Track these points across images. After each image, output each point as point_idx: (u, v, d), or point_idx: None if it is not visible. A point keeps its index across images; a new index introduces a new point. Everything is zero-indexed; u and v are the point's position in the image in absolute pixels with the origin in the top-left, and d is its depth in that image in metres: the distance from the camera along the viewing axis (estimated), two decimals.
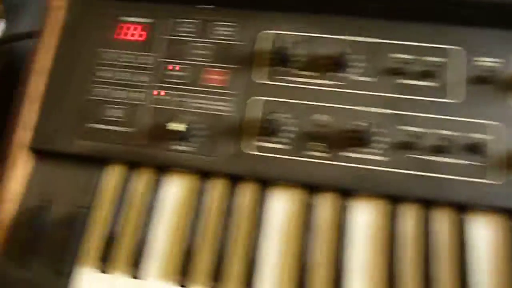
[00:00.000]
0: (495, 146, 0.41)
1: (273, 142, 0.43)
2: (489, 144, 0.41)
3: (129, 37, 0.48)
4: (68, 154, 0.46)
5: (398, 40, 0.44)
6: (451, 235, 0.40)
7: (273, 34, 0.46)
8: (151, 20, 0.48)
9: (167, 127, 0.44)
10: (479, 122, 0.41)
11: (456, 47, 0.44)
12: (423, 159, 0.41)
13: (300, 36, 0.45)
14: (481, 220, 0.41)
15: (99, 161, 0.46)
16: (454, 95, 0.42)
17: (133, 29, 0.48)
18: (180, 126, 0.42)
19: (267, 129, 0.42)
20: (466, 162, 0.40)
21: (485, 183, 0.40)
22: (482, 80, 0.43)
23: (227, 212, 0.43)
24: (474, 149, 0.41)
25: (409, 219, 0.41)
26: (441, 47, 0.44)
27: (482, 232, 0.40)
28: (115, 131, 0.45)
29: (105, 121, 0.46)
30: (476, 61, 0.43)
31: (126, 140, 0.45)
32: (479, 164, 0.40)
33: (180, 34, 0.47)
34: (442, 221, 0.41)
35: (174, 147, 0.44)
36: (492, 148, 0.41)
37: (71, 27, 0.49)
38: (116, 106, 0.46)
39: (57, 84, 0.47)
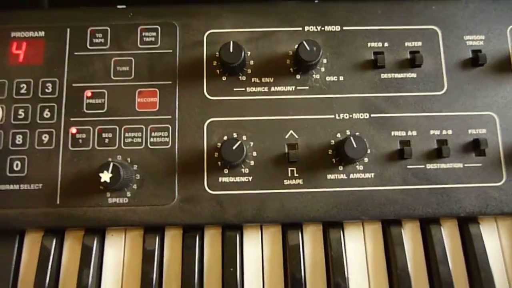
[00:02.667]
0: (492, 141, 0.34)
1: (237, 175, 0.34)
2: (487, 139, 0.34)
3: (22, 60, 0.35)
4: None
5: (369, 25, 0.36)
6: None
7: (222, 33, 0.36)
8: (45, 34, 0.36)
9: (96, 178, 0.33)
10: (471, 115, 0.35)
11: (431, 27, 0.36)
12: (419, 168, 0.34)
13: (253, 32, 0.36)
14: (487, 227, 0.35)
15: (7, 234, 0.34)
16: (437, 85, 0.35)
17: (26, 48, 0.35)
18: (106, 175, 0.32)
19: (227, 160, 0.32)
20: (469, 164, 0.34)
21: (493, 186, 0.34)
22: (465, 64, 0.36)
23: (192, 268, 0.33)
24: (473, 147, 0.34)
25: (409, 240, 0.35)
26: (415, 29, 0.36)
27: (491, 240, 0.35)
28: (21, 190, 0.33)
29: (6, 179, 0.33)
30: (455, 41, 0.36)
31: (36, 201, 0.33)
32: (480, 165, 0.34)
33: (90, 48, 0.36)
34: (448, 236, 0.34)
35: (108, 200, 0.33)
36: (490, 143, 0.34)
37: None
38: (17, 157, 0.34)
39: None
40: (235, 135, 0.34)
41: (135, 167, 0.34)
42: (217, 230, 0.35)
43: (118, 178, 0.32)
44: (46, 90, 0.35)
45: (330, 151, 0.34)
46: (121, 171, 0.32)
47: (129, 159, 0.34)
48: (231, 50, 0.33)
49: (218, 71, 0.35)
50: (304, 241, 0.35)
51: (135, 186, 0.33)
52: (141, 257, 0.34)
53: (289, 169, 0.34)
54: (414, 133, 0.34)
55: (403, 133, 0.34)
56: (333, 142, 0.34)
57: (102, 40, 0.36)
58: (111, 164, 0.32)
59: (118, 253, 0.35)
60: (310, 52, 0.33)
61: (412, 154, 0.34)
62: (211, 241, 0.35)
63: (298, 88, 0.35)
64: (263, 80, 0.35)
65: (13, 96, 0.35)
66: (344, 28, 0.36)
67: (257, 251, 0.34)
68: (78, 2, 0.52)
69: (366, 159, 0.34)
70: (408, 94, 0.35)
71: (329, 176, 0.34)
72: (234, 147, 0.32)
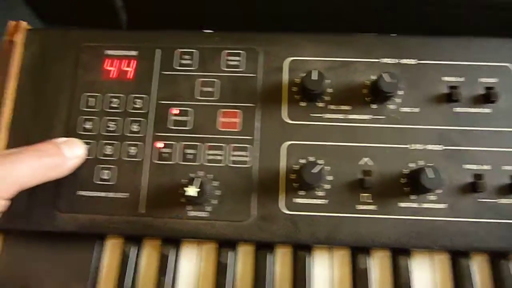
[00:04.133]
0: None
1: (313, 197, 0.35)
2: None
3: (114, 76, 0.38)
4: (49, 232, 0.36)
5: (445, 60, 0.37)
6: None
7: (302, 61, 0.37)
8: (136, 53, 0.38)
9: (178, 191, 0.35)
10: None
11: (506, 64, 0.37)
12: (492, 202, 0.35)
13: (332, 62, 0.37)
14: None
15: (90, 237, 0.36)
16: None
17: (118, 65, 0.38)
18: (193, 189, 0.33)
19: (306, 182, 0.33)
20: None
21: None
22: None
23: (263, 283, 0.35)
24: None
25: (478, 273, 0.35)
26: (490, 65, 0.37)
27: None
28: (108, 198, 0.36)
29: (93, 187, 0.36)
30: None
31: (121, 209, 0.35)
32: None
33: (178, 68, 0.38)
34: None
35: (188, 213, 0.35)
36: None
37: (38, 69, 0.38)
38: (106, 166, 0.36)
39: (24, 143, 0.37)
40: (312, 158, 0.36)
41: (215, 183, 0.35)
42: (287, 249, 0.36)
43: (203, 193, 0.33)
44: (136, 106, 0.37)
45: (403, 180, 0.35)
46: (207, 187, 0.34)
47: (210, 176, 0.36)
48: (314, 78, 0.35)
49: (297, 96, 0.37)
50: (372, 265, 0.35)
51: (215, 202, 0.35)
52: (214, 269, 0.36)
53: (363, 194, 0.35)
54: (487, 167, 0.35)
55: (476, 167, 0.35)
56: (406, 171, 0.35)
57: (189, 62, 0.38)
58: (198, 180, 0.34)
59: (192, 264, 0.36)
60: (390, 84, 0.35)
61: (485, 188, 0.35)
62: (282, 259, 0.36)
63: (374, 117, 0.36)
64: (340, 107, 0.37)
65: (105, 109, 0.37)
66: (420, 61, 0.37)
67: (326, 272, 0.36)
68: (155, 25, 0.56)
69: (439, 190, 0.35)
70: (482, 128, 0.36)
71: (401, 204, 0.35)
72: (314, 171, 0.33)
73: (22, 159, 0.31)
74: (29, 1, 0.60)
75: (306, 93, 0.36)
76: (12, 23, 0.40)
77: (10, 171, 0.31)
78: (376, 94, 0.36)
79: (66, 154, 0.34)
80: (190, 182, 0.33)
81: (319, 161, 0.35)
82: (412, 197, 0.35)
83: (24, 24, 0.40)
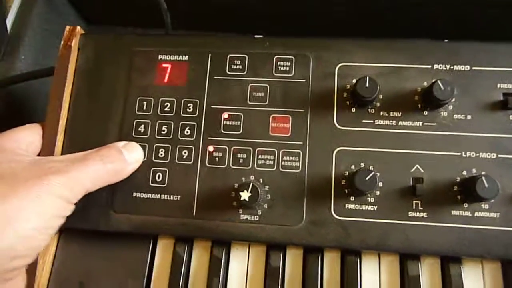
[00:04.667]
0: None
1: (363, 203, 0.35)
2: None
3: (167, 80, 0.39)
4: (105, 232, 0.37)
5: (499, 67, 0.37)
6: None
7: (353, 67, 0.37)
8: (188, 57, 0.39)
9: (230, 194, 0.36)
10: None
11: None
12: None
13: (383, 68, 0.37)
14: None
15: (144, 237, 0.38)
16: None
17: (170, 70, 0.39)
18: (246, 194, 0.34)
19: (359, 189, 0.34)
20: None
21: None
22: None
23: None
24: None
25: None
26: None
27: None
28: (161, 200, 0.37)
29: (148, 189, 0.37)
30: None
31: (175, 211, 0.36)
32: None
33: (229, 73, 0.39)
34: None
35: (240, 217, 0.36)
36: None
37: (92, 73, 0.40)
38: (159, 169, 0.37)
39: (80, 146, 0.38)
40: (362, 164, 0.36)
41: (266, 187, 0.36)
42: (336, 254, 0.37)
43: (256, 197, 0.34)
44: (188, 110, 0.38)
45: (455, 188, 0.35)
46: (260, 191, 0.34)
47: (261, 180, 0.36)
48: (367, 85, 0.35)
49: (348, 102, 0.37)
50: (422, 272, 0.35)
51: (266, 206, 0.36)
52: (264, 271, 0.36)
53: (414, 201, 0.35)
54: None
55: None
56: (458, 179, 0.35)
57: (240, 67, 0.38)
58: (251, 184, 0.34)
59: (242, 266, 0.37)
60: (444, 91, 0.34)
61: None
62: (331, 263, 0.36)
63: (425, 124, 0.36)
64: (391, 114, 0.37)
65: (158, 113, 0.38)
66: (474, 68, 0.37)
67: (375, 277, 0.36)
68: (199, 27, 0.56)
69: (492, 199, 0.34)
70: None
71: (453, 212, 0.35)
72: (367, 178, 0.33)
73: (88, 166, 0.33)
74: (73, 2, 0.62)
75: (357, 99, 0.36)
76: (68, 28, 0.41)
77: (78, 178, 0.32)
78: (428, 101, 0.36)
79: (127, 159, 0.35)
80: (244, 187, 0.34)
81: (370, 167, 0.36)
82: (465, 205, 0.35)
83: (78, 29, 0.41)
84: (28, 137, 0.37)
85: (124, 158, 0.35)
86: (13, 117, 0.53)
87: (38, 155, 0.38)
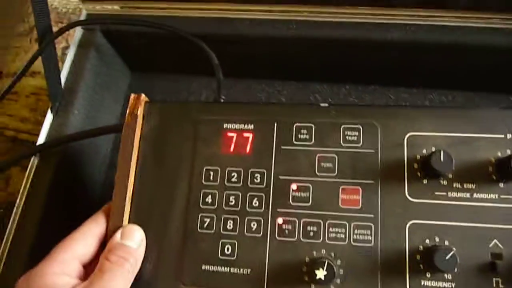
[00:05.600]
0: None
1: (440, 280, 0.34)
2: None
3: (233, 149, 0.39)
4: None
5: None
6: None
7: (422, 136, 0.37)
8: (254, 126, 0.39)
9: (301, 268, 0.35)
10: None
11: None
12: None
13: (454, 138, 0.37)
14: None
15: None
16: None
17: (236, 139, 0.39)
18: (320, 272, 0.34)
19: (438, 268, 0.33)
20: None
21: None
22: None
23: None
24: None
25: None
26: None
27: None
28: (231, 273, 0.36)
29: (218, 261, 0.37)
30: None
31: (245, 285, 0.36)
32: None
33: (295, 143, 0.39)
34: None
35: None
36: None
37: (157, 141, 0.40)
38: (228, 241, 0.37)
39: (147, 216, 0.38)
40: (437, 239, 0.35)
41: (338, 262, 0.35)
42: None
43: (332, 276, 0.34)
44: (255, 180, 0.38)
45: None
46: (335, 269, 0.34)
47: (333, 254, 0.36)
48: (442, 159, 0.34)
49: (419, 173, 0.36)
50: None
51: (338, 281, 0.35)
52: None
53: (494, 279, 0.34)
54: None
55: None
56: None
57: (307, 136, 0.38)
58: (326, 262, 0.34)
59: None
60: None
61: None
62: None
63: (501, 196, 0.35)
64: (464, 186, 0.36)
65: (225, 183, 0.38)
66: None
67: None
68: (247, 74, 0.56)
69: None
70: None
71: None
72: (447, 257, 0.33)
73: (111, 279, 0.34)
74: (120, 52, 0.64)
75: (429, 171, 0.36)
76: (133, 96, 0.42)
77: None
78: (504, 173, 0.35)
79: (133, 247, 0.36)
80: (319, 265, 0.34)
81: (445, 242, 0.35)
82: None
83: (143, 97, 0.42)
84: (81, 249, 0.37)
85: (131, 249, 0.36)
86: (67, 177, 0.53)
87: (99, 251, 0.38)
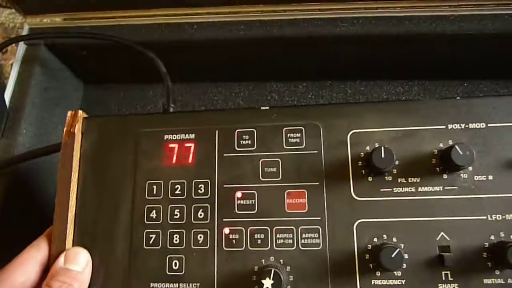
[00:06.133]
0: None
1: (390, 278, 0.34)
2: None
3: (175, 161, 0.38)
4: None
5: None
6: None
7: (364, 133, 0.36)
8: (195, 136, 0.38)
9: (252, 278, 0.35)
10: None
11: None
12: None
13: (396, 132, 0.36)
14: None
15: None
16: None
17: (178, 150, 0.38)
18: (267, 282, 0.33)
19: (385, 267, 0.32)
20: None
21: None
22: None
23: None
24: None
25: None
26: None
27: None
28: None
29: (165, 278, 0.36)
30: None
31: None
32: None
33: (238, 149, 0.38)
34: None
35: None
36: None
37: (98, 158, 0.39)
38: (175, 256, 0.36)
39: (91, 237, 0.37)
40: (385, 236, 0.35)
41: (288, 268, 0.35)
42: None
43: (279, 284, 0.33)
44: (199, 191, 0.37)
45: (484, 254, 0.33)
46: (282, 277, 0.33)
47: (281, 261, 0.35)
48: (382, 156, 0.34)
49: (363, 171, 0.36)
50: None
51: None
52: None
53: (443, 272, 0.34)
54: None
55: None
56: (486, 244, 0.34)
57: (249, 142, 0.37)
58: (273, 271, 0.33)
59: None
60: (463, 157, 0.33)
61: None
62: None
63: (445, 188, 0.35)
64: (409, 180, 0.35)
65: (169, 196, 0.37)
66: (490, 124, 0.36)
67: None
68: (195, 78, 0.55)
69: None
70: None
71: (485, 281, 0.33)
72: (392, 255, 0.32)
73: None
74: (69, 65, 0.62)
75: (372, 169, 0.35)
76: (69, 113, 0.40)
77: None
78: (446, 164, 0.35)
79: (79, 270, 0.35)
80: (266, 274, 0.33)
81: (393, 239, 0.34)
82: (496, 272, 0.33)
83: (81, 113, 0.40)
84: (19, 278, 0.35)
85: (75, 273, 0.35)
86: (19, 197, 0.52)
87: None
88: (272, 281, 0.33)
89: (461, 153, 0.33)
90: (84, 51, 0.57)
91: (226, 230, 0.36)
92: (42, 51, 0.56)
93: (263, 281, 0.33)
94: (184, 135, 0.38)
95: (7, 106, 0.54)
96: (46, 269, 0.36)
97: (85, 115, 0.40)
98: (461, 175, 0.35)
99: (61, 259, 0.36)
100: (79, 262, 0.36)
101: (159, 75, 0.62)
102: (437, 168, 0.35)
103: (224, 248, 0.36)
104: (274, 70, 0.61)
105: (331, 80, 0.61)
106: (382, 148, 0.34)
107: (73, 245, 0.37)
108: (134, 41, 0.52)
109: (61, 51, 0.58)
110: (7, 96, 0.54)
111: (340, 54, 0.56)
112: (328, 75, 0.61)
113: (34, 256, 0.36)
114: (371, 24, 0.51)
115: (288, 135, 0.37)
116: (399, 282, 0.34)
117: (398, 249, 0.32)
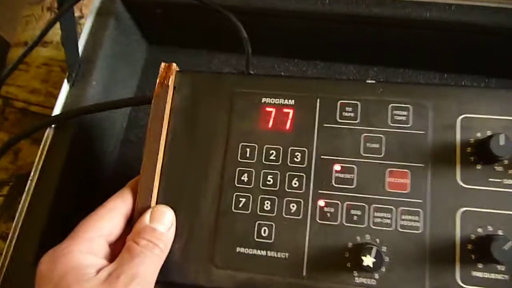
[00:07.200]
0: None
1: (493, 271, 0.32)
2: None
3: (271, 125, 0.36)
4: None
5: None
6: None
7: (476, 119, 0.35)
8: (295, 102, 0.36)
9: (344, 254, 0.33)
10: None
11: None
12: None
13: (509, 121, 0.34)
14: None
15: None
16: None
17: (275, 114, 0.36)
18: (368, 259, 0.31)
19: (487, 254, 0.31)
20: None
21: None
22: None
23: None
24: None
25: None
26: None
27: None
28: (267, 257, 0.34)
29: (253, 244, 0.34)
30: None
31: (282, 270, 0.34)
32: None
33: (340, 121, 0.36)
34: None
35: (355, 280, 0.33)
36: None
37: (190, 113, 0.37)
38: (265, 223, 0.35)
39: (177, 195, 0.36)
40: (490, 228, 0.33)
41: (383, 248, 0.33)
42: None
43: (380, 264, 0.31)
44: (295, 159, 0.35)
45: None
46: (384, 257, 0.32)
47: (377, 240, 0.33)
48: (501, 143, 0.32)
49: (472, 158, 0.34)
50: None
51: (383, 269, 0.33)
52: None
53: None
54: None
55: None
56: None
57: (352, 114, 0.36)
58: (375, 249, 0.32)
59: None
60: None
61: None
62: None
63: None
64: None
65: (263, 161, 0.36)
66: None
67: None
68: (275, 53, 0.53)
69: None
70: None
71: None
72: (505, 247, 0.31)
73: (141, 264, 0.32)
74: (139, 23, 0.60)
75: (484, 156, 0.33)
76: (163, 65, 0.39)
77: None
78: None
79: (163, 232, 0.34)
80: (367, 251, 0.31)
81: (499, 232, 0.33)
82: None
83: (174, 66, 0.39)
84: (107, 226, 0.34)
85: (160, 233, 0.34)
86: (86, 150, 0.51)
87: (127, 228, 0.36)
88: (373, 259, 0.31)
89: None
90: (160, 9, 0.56)
91: (321, 203, 0.35)
92: (117, 4, 0.55)
93: (363, 257, 0.31)
94: (283, 100, 0.37)
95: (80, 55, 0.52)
96: (129, 222, 0.35)
97: (178, 69, 0.39)
98: None
99: (147, 216, 0.34)
100: (164, 222, 0.34)
101: (226, 43, 0.61)
102: None
103: (318, 220, 0.34)
104: (345, 51, 0.59)
105: (404, 68, 0.59)
106: (503, 135, 0.32)
107: (158, 201, 0.36)
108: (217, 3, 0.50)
109: (135, 7, 0.56)
110: (80, 45, 0.53)
111: (421, 39, 0.54)
112: (402, 62, 0.59)
113: (120, 207, 0.35)
114: (464, 11, 0.49)
115: (394, 112, 0.36)
116: (503, 277, 0.32)
117: (511, 241, 0.31)
